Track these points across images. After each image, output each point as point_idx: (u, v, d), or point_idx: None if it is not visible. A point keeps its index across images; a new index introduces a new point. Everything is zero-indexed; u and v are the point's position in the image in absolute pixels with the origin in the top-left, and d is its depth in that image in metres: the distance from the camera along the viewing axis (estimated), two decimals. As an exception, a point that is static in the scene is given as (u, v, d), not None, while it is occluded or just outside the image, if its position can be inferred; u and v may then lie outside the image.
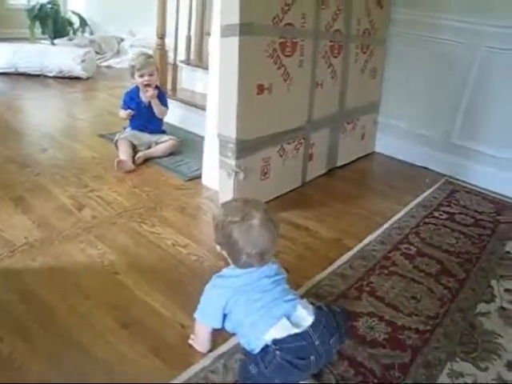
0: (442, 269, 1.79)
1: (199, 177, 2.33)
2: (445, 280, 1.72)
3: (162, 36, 2.94)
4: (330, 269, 1.71)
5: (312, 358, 1.05)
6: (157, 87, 2.59)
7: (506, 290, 1.70)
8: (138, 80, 2.50)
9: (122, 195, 2.08)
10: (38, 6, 5.21)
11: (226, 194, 1.99)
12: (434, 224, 2.13)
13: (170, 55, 3.11)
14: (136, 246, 1.72)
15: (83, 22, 5.50)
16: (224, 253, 1.24)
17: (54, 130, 2.84)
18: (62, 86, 3.80)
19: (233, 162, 1.90)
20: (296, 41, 1.99)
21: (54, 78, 3.96)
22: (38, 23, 5.20)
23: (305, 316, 1.12)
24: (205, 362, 1.22)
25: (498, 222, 2.22)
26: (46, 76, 3.98)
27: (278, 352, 1.04)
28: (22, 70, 3.93)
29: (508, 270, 1.84)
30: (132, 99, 2.58)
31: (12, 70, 3.92)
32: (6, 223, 1.78)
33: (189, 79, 3.21)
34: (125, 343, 1.26)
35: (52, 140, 2.62)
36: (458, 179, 2.70)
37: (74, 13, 5.55)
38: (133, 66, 2.47)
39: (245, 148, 1.91)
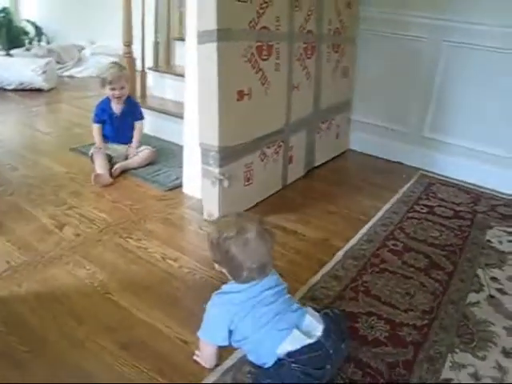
0: (430, 262, 1.83)
1: (179, 186, 2.30)
2: (434, 273, 1.76)
3: (128, 43, 2.88)
4: (323, 271, 1.72)
5: (328, 366, 1.05)
6: (128, 97, 2.54)
7: (492, 279, 1.76)
8: (109, 92, 2.44)
9: (104, 211, 2.02)
10: (-11, 16, 5.00)
11: (211, 203, 1.97)
12: (416, 218, 2.18)
13: (137, 62, 3.04)
14: (125, 262, 1.67)
15: (39, 31, 5.31)
16: (223, 270, 1.20)
17: (20, 146, 2.73)
18: (24, 99, 3.65)
19: (216, 170, 1.88)
20: (272, 44, 1.99)
21: (14, 90, 3.80)
22: (-10, 34, 4.98)
23: (314, 325, 1.11)
24: (213, 378, 1.20)
25: (475, 213, 2.29)
26: (5, 89, 3.81)
27: (293, 365, 1.03)
28: (-23, 84, 3.76)
29: (491, 258, 1.90)
30: (104, 111, 2.51)
31: (-34, 85, 3.75)
32: (-18, 248, 1.70)
33: (158, 86, 3.15)
34: (127, 365, 1.23)
35: (20, 157, 2.51)
36: (431, 172, 2.77)
37: (28, 21, 5.35)
38: (104, 79, 2.40)
39: (227, 155, 1.89)
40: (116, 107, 2.51)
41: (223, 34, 1.70)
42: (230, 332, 1.16)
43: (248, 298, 1.15)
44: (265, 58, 1.96)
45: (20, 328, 1.33)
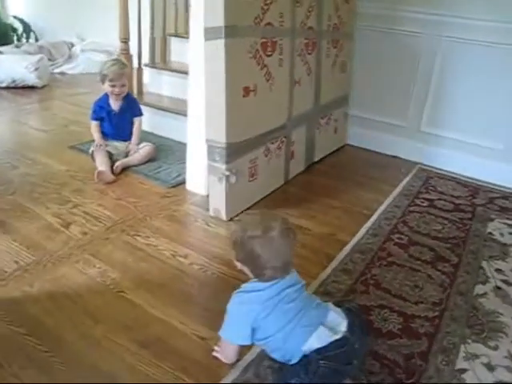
0: (436, 255, 1.85)
1: (182, 183, 2.29)
2: (441, 266, 1.78)
3: (125, 40, 2.85)
4: (332, 265, 1.73)
5: (355, 361, 1.06)
6: (127, 94, 2.51)
7: (497, 270, 1.79)
8: (109, 89, 2.41)
9: (108, 208, 2.00)
10: (-25, 13, 4.91)
11: (217, 199, 1.97)
12: (418, 212, 2.21)
13: (132, 59, 3.01)
14: (135, 260, 1.66)
15: (27, 28, 5.22)
16: (245, 269, 1.19)
17: (18, 145, 2.69)
18: (16, 97, 3.59)
19: (223, 167, 1.88)
20: (275, 40, 1.99)
21: (6, 88, 3.74)
22: (-23, 31, 4.89)
23: (338, 320, 1.12)
24: (235, 374, 1.21)
25: (475, 205, 2.33)
26: (-4, 87, 3.75)
27: (321, 361, 1.04)
28: (-32, 83, 3.69)
29: (494, 250, 1.93)
30: (102, 108, 2.48)
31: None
32: (-12, 247, 1.68)
33: (154, 82, 3.13)
34: (150, 364, 1.22)
35: (19, 156, 2.47)
36: (429, 166, 2.80)
37: (16, 18, 5.26)
38: (105, 75, 2.37)
39: (234, 151, 1.89)
40: (114, 104, 2.49)
41: (230, 31, 1.69)
42: (253, 330, 1.16)
43: (270, 296, 1.14)
44: (269, 54, 1.96)
45: (37, 328, 1.31)
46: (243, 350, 1.26)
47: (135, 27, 2.89)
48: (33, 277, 1.54)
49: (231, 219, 1.98)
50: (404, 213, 2.19)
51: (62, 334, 1.31)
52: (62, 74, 4.43)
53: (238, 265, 1.20)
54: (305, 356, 1.08)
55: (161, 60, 3.12)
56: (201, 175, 2.15)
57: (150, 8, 2.97)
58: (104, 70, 2.38)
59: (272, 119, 2.13)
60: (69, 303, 1.43)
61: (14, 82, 3.71)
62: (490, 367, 1.31)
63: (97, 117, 2.49)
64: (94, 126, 2.50)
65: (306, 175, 2.58)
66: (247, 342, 1.18)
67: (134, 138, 2.53)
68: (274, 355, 1.19)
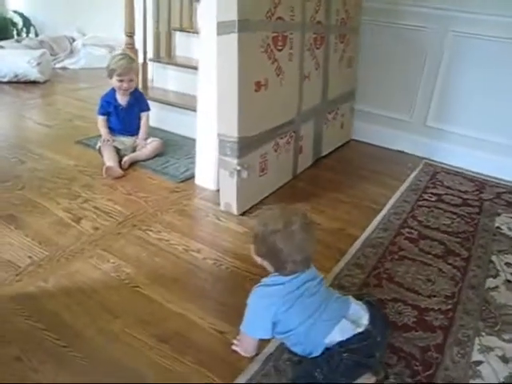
0: (446, 249, 1.87)
1: (190, 178, 2.29)
2: (451, 260, 1.80)
3: (130, 34, 2.83)
4: (345, 259, 1.74)
5: (377, 354, 1.07)
6: (135, 89, 2.50)
7: (507, 264, 1.80)
8: (116, 84, 2.40)
9: (119, 203, 2.00)
10: (-26, 7, 4.87)
11: (228, 194, 1.97)
12: (426, 207, 2.21)
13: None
14: (148, 255, 1.66)
15: (27, 22, 5.18)
16: (265, 263, 1.20)
17: (24, 140, 2.67)
18: (19, 92, 3.57)
19: (235, 161, 1.88)
20: (286, 34, 1.99)
21: (9, 83, 3.71)
22: (-24, 25, 4.85)
23: (360, 313, 1.13)
24: (255, 367, 1.21)
25: (482, 200, 2.34)
26: (-1, 82, 3.73)
27: (344, 354, 1.04)
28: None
29: (503, 244, 1.95)
30: (109, 103, 2.47)
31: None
32: (0, 242, 1.67)
33: (159, 77, 3.11)
34: (169, 358, 1.23)
35: (26, 151, 2.46)
36: (435, 161, 2.81)
37: (15, 12, 5.22)
38: (113, 70, 2.36)
39: (245, 146, 1.89)
40: (122, 99, 2.48)
41: (243, 25, 1.69)
42: (273, 324, 1.16)
43: (291, 289, 1.15)
44: (280, 48, 1.96)
45: (54, 323, 1.31)
46: (262, 343, 1.27)
47: (140, 21, 2.88)
48: (47, 272, 1.53)
49: (242, 214, 1.99)
50: (413, 207, 2.20)
51: (80, 328, 1.31)
52: (64, 68, 4.41)
53: (259, 259, 1.20)
54: (327, 349, 1.09)
55: (166, 54, 3.11)
56: (210, 170, 2.15)
57: (155, 2, 2.95)
58: (112, 65, 2.36)
59: (282, 114, 2.13)
60: (85, 298, 1.43)
61: (16, 76, 3.68)
62: (505, 359, 1.33)
63: (104, 112, 2.48)
64: (101, 120, 2.49)
65: (313, 170, 2.58)
66: (267, 336, 1.19)
67: (142, 133, 2.52)
68: (296, 349, 1.19)
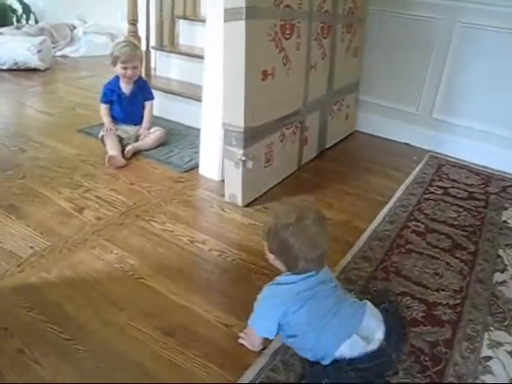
0: (453, 243, 1.84)
1: (194, 167, 2.26)
2: (459, 253, 1.77)
3: (133, 21, 2.78)
4: (352, 252, 1.72)
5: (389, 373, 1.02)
6: (139, 78, 2.46)
7: (515, 258, 1.78)
8: (120, 71, 2.36)
9: (122, 193, 1.97)
10: (-27, -7, 4.78)
11: (233, 184, 1.94)
12: (433, 200, 2.19)
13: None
14: (152, 246, 1.64)
15: (27, 9, 5.11)
16: (277, 262, 1.16)
17: (25, 128, 2.63)
18: (19, 79, 3.52)
19: (240, 151, 1.85)
20: (293, 23, 1.94)
21: (8, 70, 3.66)
22: (-25, 11, 4.77)
23: (374, 326, 1.08)
24: (262, 361, 1.19)
25: (488, 194, 2.32)
26: (-2, 69, 3.67)
27: (351, 372, 1.00)
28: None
29: (510, 239, 1.93)
30: (112, 91, 2.43)
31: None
32: (1, 232, 1.64)
33: (162, 65, 3.07)
34: (174, 351, 1.21)
35: (27, 139, 2.43)
36: (440, 153, 2.78)
37: (15, -2, 5.15)
38: (117, 57, 2.31)
39: (251, 136, 1.86)
40: (125, 87, 2.44)
41: (251, 12, 1.65)
42: (281, 326, 1.13)
43: (303, 289, 1.11)
44: (287, 37, 1.92)
45: (57, 315, 1.29)
46: (269, 336, 1.25)
47: (143, 9, 2.83)
48: (49, 263, 1.51)
49: (247, 205, 1.96)
50: (419, 200, 2.17)
51: (83, 321, 1.28)
52: (64, 56, 4.35)
53: (271, 257, 1.17)
54: (336, 360, 1.05)
55: (169, 43, 3.06)
56: (214, 160, 2.12)
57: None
58: (115, 52, 2.32)
59: (288, 104, 2.09)
60: (88, 290, 1.41)
61: (16, 64, 3.63)
62: (515, 355, 1.31)
63: (107, 100, 2.44)
64: (104, 109, 2.45)
65: (317, 161, 2.55)
66: (270, 337, 1.16)
67: (146, 122, 2.48)
68: (305, 354, 1.15)
